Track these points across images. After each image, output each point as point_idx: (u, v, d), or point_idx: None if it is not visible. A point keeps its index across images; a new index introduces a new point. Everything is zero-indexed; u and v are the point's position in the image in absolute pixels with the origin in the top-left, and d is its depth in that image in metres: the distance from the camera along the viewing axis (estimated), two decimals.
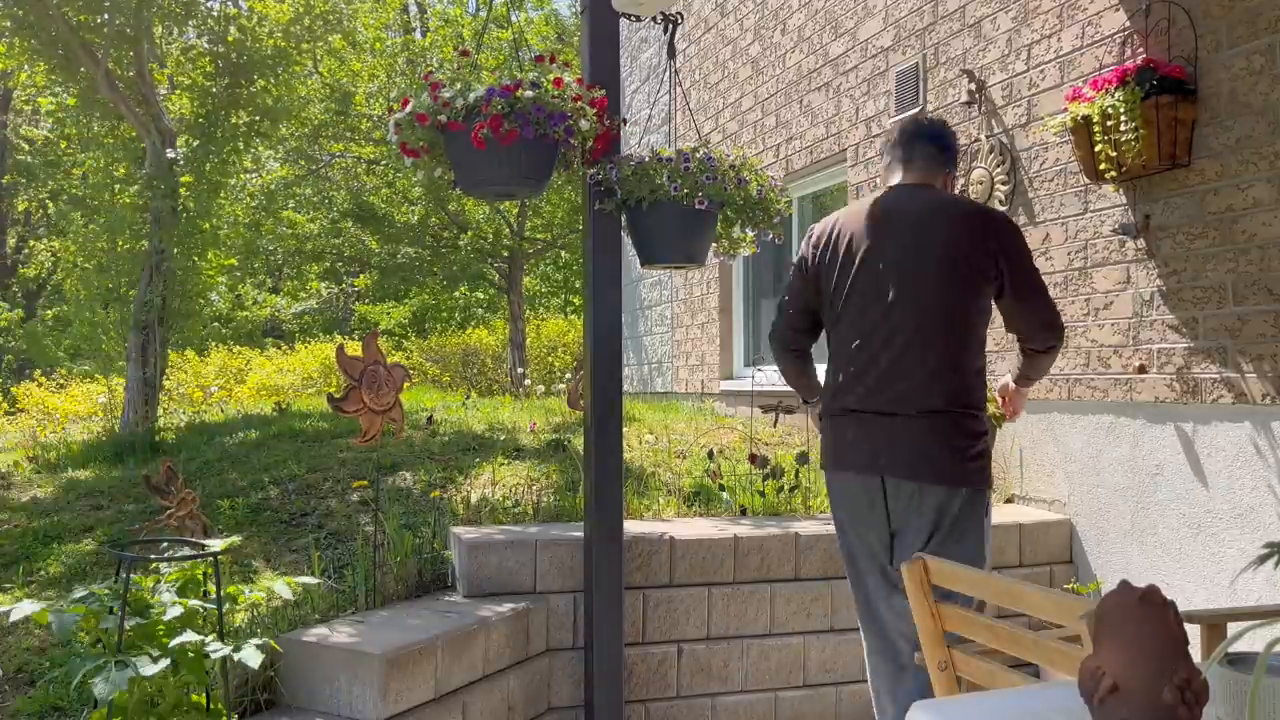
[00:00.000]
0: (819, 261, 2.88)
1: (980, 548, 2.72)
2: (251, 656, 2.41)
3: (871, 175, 5.47)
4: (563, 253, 16.78)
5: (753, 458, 4.26)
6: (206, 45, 8.49)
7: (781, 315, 3.03)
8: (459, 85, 2.79)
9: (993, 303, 2.82)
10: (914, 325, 2.68)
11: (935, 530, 2.67)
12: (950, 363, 2.69)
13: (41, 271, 21.43)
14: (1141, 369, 3.71)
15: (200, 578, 2.70)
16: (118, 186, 8.63)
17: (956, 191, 3.69)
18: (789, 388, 3.24)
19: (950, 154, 2.92)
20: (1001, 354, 4.36)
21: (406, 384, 3.46)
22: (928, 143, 2.87)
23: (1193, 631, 2.57)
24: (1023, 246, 2.79)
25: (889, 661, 2.80)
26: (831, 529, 3.75)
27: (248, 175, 12.37)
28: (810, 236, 2.95)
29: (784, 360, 3.09)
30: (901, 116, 2.98)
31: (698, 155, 3.08)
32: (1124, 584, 1.09)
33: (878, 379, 2.72)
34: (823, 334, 3.00)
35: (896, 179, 2.88)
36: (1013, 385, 3.16)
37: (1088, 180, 3.86)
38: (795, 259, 3.03)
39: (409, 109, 2.86)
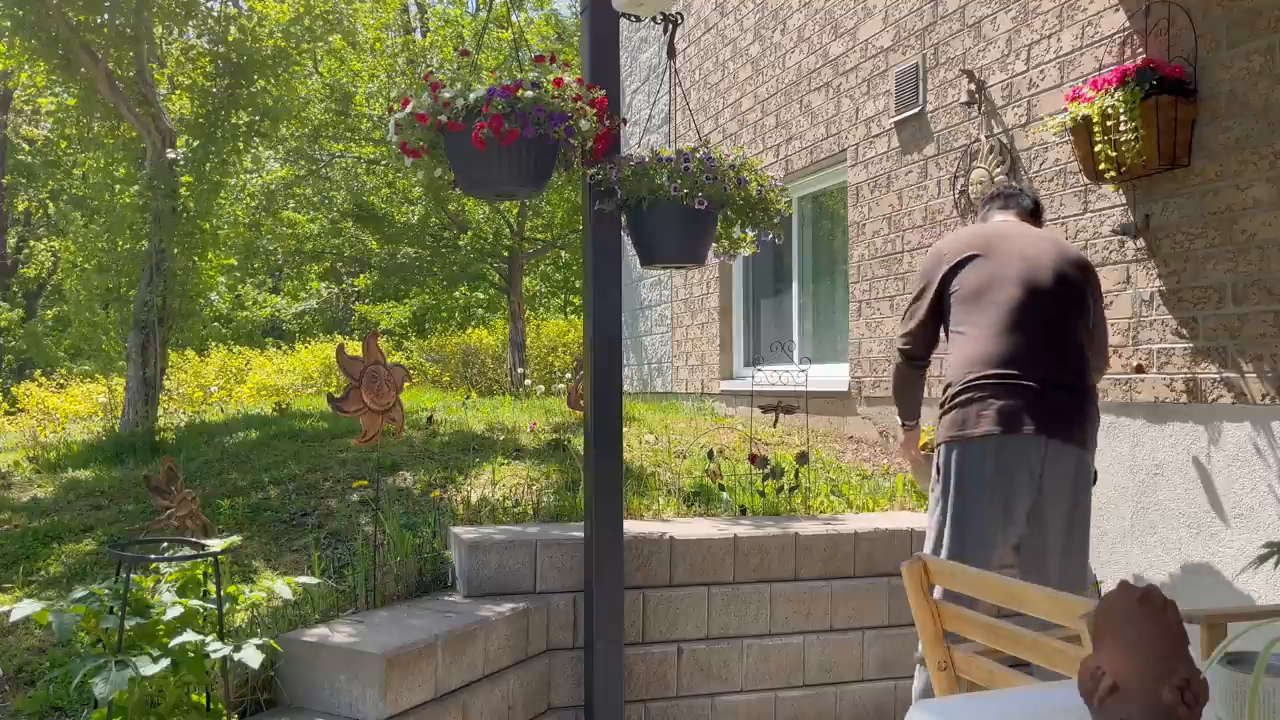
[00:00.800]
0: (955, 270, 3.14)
1: None
2: (251, 656, 2.41)
3: (872, 175, 5.48)
4: (563, 253, 16.78)
5: (753, 458, 4.26)
6: (206, 45, 8.49)
7: (916, 335, 3.23)
8: (459, 85, 2.79)
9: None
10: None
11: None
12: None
13: (41, 271, 21.45)
14: (1141, 369, 3.71)
15: (200, 578, 2.70)
16: (118, 186, 8.63)
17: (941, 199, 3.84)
18: (896, 404, 3.46)
19: (1040, 213, 3.41)
20: None
21: (406, 384, 3.46)
22: (1026, 199, 3.37)
23: (1193, 631, 2.57)
24: (1101, 288, 3.23)
25: None
26: (831, 528, 3.75)
27: (248, 175, 12.36)
28: (941, 253, 3.20)
29: (911, 372, 3.33)
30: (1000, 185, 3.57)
31: (698, 155, 3.08)
32: (1124, 584, 1.10)
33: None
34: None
35: (998, 219, 3.32)
36: None
37: (1087, 180, 3.86)
38: (922, 278, 3.24)
39: (409, 109, 2.86)
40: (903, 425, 3.48)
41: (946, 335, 3.17)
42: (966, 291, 3.08)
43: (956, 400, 3.00)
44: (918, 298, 3.23)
